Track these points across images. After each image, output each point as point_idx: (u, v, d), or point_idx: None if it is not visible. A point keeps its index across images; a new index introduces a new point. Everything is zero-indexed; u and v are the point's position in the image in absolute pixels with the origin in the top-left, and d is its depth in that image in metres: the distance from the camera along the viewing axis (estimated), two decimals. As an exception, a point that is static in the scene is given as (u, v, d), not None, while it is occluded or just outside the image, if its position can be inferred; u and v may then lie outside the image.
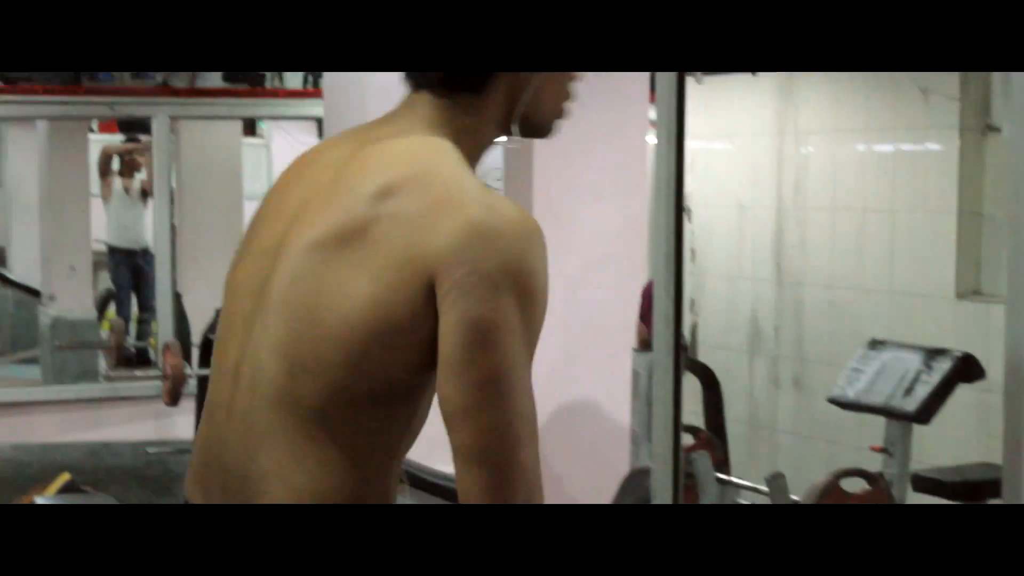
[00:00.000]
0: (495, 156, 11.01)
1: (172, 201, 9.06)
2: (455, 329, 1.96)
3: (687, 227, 4.03)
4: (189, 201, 9.67)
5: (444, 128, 2.16)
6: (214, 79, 8.75)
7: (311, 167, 2.19)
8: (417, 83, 2.19)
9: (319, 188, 2.12)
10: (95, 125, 12.14)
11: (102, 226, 10.97)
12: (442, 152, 2.11)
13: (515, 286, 1.97)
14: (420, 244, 1.99)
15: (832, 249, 7.82)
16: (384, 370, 2.04)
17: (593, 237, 5.28)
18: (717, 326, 8.54)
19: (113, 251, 11.05)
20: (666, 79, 3.72)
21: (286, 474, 2.06)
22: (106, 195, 11.11)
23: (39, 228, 10.63)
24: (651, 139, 5.73)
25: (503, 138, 2.27)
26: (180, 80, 8.72)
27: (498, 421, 1.96)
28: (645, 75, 5.38)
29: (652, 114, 4.04)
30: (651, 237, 4.02)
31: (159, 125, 8.77)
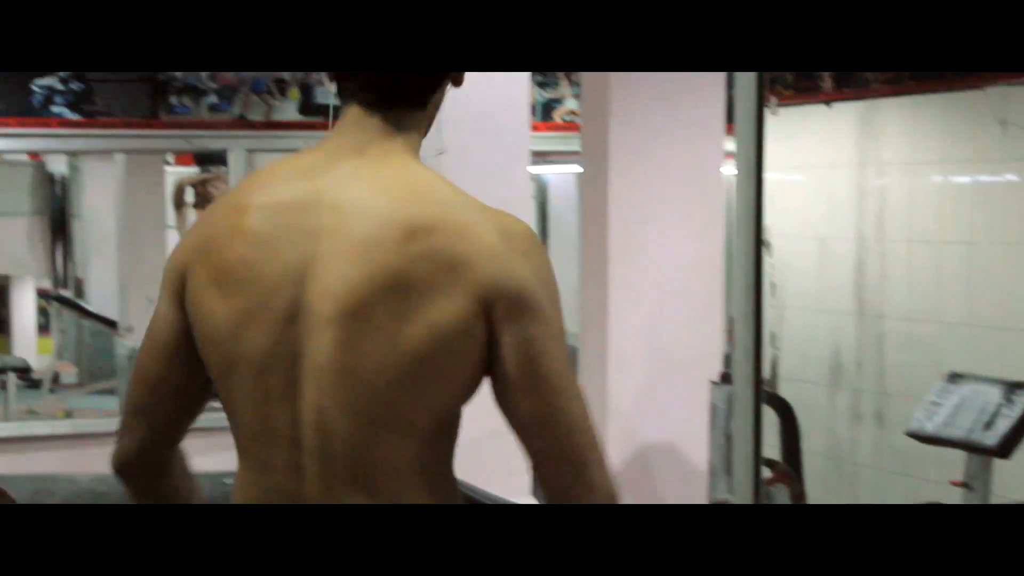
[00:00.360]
0: (570, 187, 10.98)
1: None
2: (519, 348, 2.04)
3: (766, 260, 4.00)
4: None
5: (407, 146, 2.17)
6: (290, 111, 8.80)
7: (289, 212, 2.11)
8: (379, 99, 2.15)
9: (321, 237, 2.08)
10: (171, 157, 12.24)
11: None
12: (437, 179, 2.14)
13: (551, 294, 2.09)
14: (466, 277, 2.04)
15: (910, 282, 7.75)
16: (448, 403, 2.12)
17: (670, 271, 5.26)
18: (796, 359, 8.48)
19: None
20: (745, 110, 3.70)
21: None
22: (181, 227, 11.19)
23: (116, 260, 10.71)
24: (728, 170, 5.71)
25: None
26: (256, 113, 8.77)
27: (573, 423, 2.07)
28: (722, 107, 5.36)
29: (729, 145, 4.02)
30: (730, 270, 3.99)
31: (235, 158, 8.82)
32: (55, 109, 8.34)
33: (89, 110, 8.42)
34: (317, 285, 2.06)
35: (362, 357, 2.04)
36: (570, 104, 9.48)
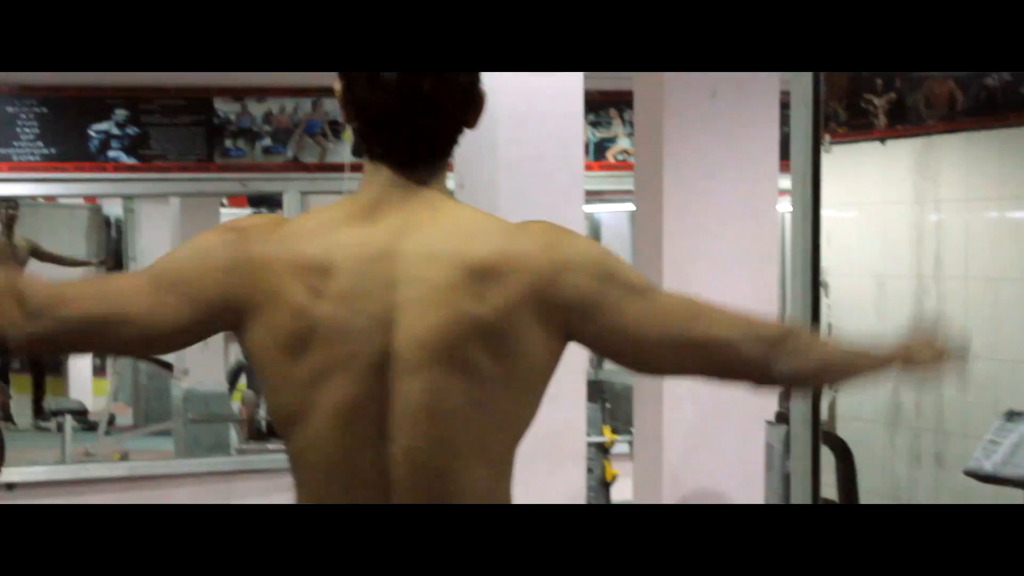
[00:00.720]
0: (623, 225, 10.95)
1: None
2: (622, 319, 2.21)
3: (824, 301, 3.97)
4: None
5: (443, 189, 2.32)
6: (344, 153, 8.84)
7: (366, 265, 2.19)
8: (412, 158, 2.26)
9: (398, 286, 2.17)
10: (226, 199, 12.32)
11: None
12: (480, 215, 2.28)
13: (601, 264, 2.27)
14: (535, 305, 2.18)
15: (967, 319, 7.69)
16: (526, 425, 2.28)
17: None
18: (854, 398, 8.42)
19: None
20: (800, 146, 3.69)
21: None
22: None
23: (172, 302, 10.75)
24: (783, 208, 5.69)
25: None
26: (310, 155, 8.81)
27: (704, 304, 2.34)
28: (776, 144, 5.34)
29: (784, 183, 4.00)
30: (787, 310, 3.97)
31: (290, 200, 8.87)
32: (111, 154, 8.41)
33: (145, 154, 8.48)
34: (402, 333, 2.15)
35: (451, 396, 2.15)
36: (623, 143, 9.48)
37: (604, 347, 2.28)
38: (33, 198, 11.46)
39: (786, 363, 2.28)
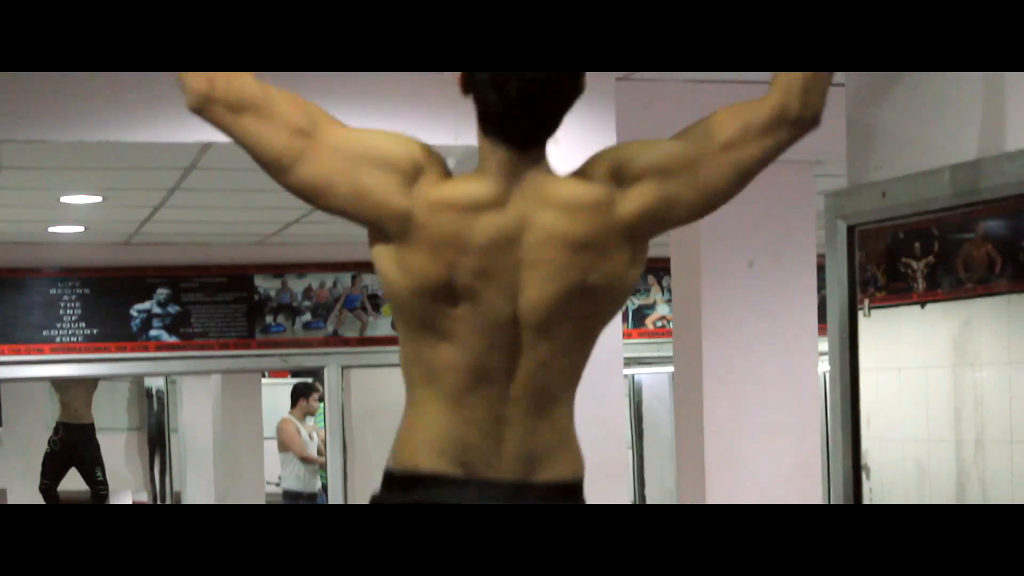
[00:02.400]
0: (664, 386, 10.91)
1: (344, 447, 9.14)
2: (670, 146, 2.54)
3: (864, 484, 3.94)
4: (360, 446, 9.75)
5: (549, 166, 2.56)
6: (384, 327, 8.88)
7: (490, 234, 2.46)
8: (530, 140, 2.49)
9: (522, 262, 2.46)
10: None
11: (273, 470, 11.10)
12: (571, 181, 2.54)
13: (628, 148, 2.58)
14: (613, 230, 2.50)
15: (1012, 484, 7.59)
16: None
17: (767, 480, 5.20)
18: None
19: (288, 495, 11.15)
20: (836, 310, 3.69)
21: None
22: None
23: (213, 473, 10.77)
24: (824, 368, 5.67)
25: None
26: (351, 329, 8.86)
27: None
28: (814, 311, 5.35)
29: (823, 346, 4.00)
30: (830, 487, 3.93)
31: (330, 375, 8.89)
32: (153, 332, 8.47)
33: (186, 332, 8.55)
34: (525, 301, 2.48)
35: (565, 322, 2.49)
36: (662, 310, 9.50)
37: (687, 221, 2.57)
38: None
39: (795, 104, 2.49)
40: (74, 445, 12.12)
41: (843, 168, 3.15)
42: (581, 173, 2.53)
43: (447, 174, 2.50)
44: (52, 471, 12.07)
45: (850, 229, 3.18)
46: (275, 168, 2.47)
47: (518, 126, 2.47)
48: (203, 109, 2.42)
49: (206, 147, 5.32)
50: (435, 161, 2.48)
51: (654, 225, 2.52)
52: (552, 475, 2.52)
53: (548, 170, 2.52)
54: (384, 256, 2.49)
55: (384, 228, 2.46)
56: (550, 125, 2.49)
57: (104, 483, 12.23)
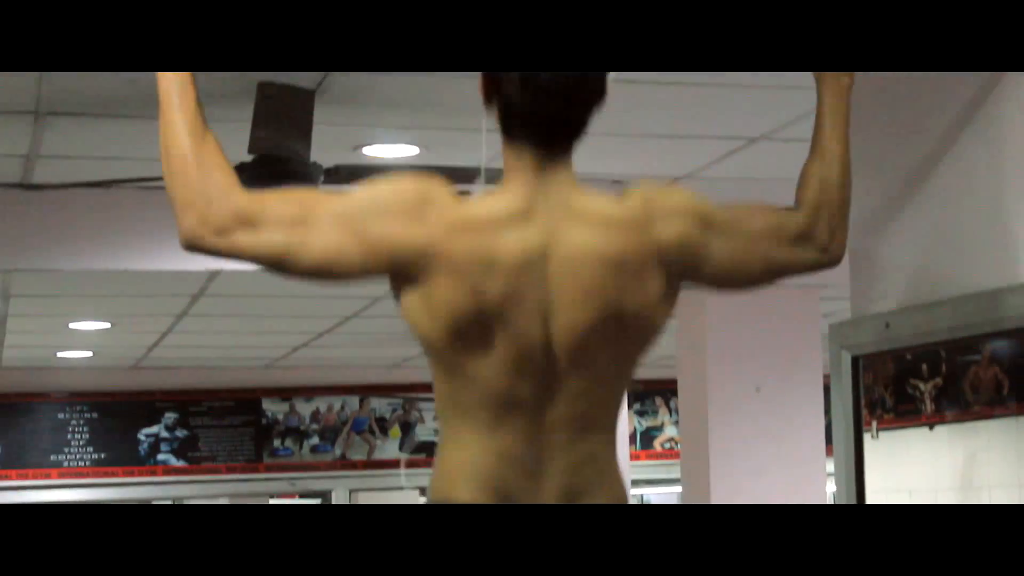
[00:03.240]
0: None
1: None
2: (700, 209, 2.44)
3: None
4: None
5: (575, 175, 2.45)
6: (391, 450, 8.87)
7: (517, 251, 2.36)
8: (558, 145, 2.41)
9: (552, 280, 2.38)
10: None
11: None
12: (603, 199, 2.42)
13: (674, 202, 2.44)
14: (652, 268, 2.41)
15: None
16: None
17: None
18: None
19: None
20: (842, 440, 3.69)
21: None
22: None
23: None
24: (832, 489, 5.66)
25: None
26: (358, 452, 8.85)
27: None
28: (821, 435, 5.36)
29: (831, 467, 3.99)
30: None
31: (338, 497, 8.88)
32: (160, 457, 8.47)
33: (194, 456, 8.54)
34: (556, 320, 2.38)
35: (600, 349, 2.40)
36: (670, 431, 9.49)
37: (709, 283, 2.50)
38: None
39: (823, 235, 2.51)
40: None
41: (849, 291, 3.17)
42: (612, 196, 2.46)
43: (458, 196, 2.39)
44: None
45: (854, 359, 3.18)
46: (283, 265, 2.39)
47: (546, 122, 2.40)
48: (196, 244, 2.36)
49: (214, 274, 5.35)
50: (440, 186, 2.38)
51: (686, 263, 2.43)
52: None
53: (577, 181, 2.43)
54: (411, 305, 2.39)
55: (407, 271, 2.36)
56: (577, 123, 2.41)
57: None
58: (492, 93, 2.38)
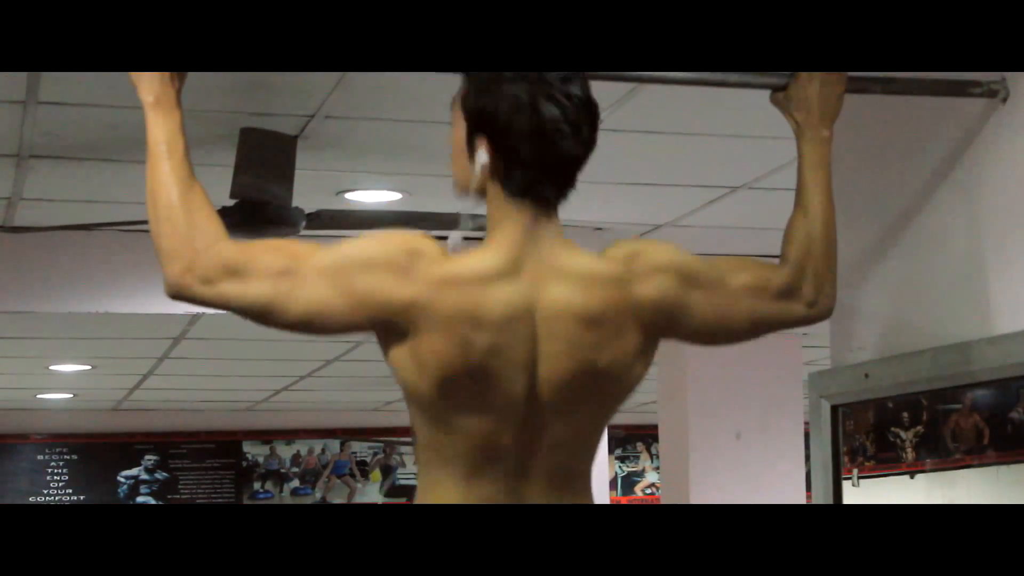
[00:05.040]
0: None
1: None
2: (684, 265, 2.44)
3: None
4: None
5: (561, 229, 2.45)
6: (372, 494, 8.86)
7: (503, 307, 2.37)
8: (554, 199, 2.40)
9: (536, 335, 2.37)
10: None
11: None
12: (588, 256, 2.43)
13: (658, 257, 2.45)
14: (631, 324, 2.41)
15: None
16: None
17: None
18: None
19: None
20: (821, 489, 3.69)
21: None
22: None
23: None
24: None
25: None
26: (338, 495, 8.84)
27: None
28: (802, 481, 5.36)
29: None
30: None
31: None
32: (140, 499, 8.45)
33: (173, 499, 8.52)
34: (537, 375, 2.39)
35: (580, 433, 2.43)
36: (651, 477, 9.49)
37: (690, 339, 2.51)
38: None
39: (810, 290, 2.51)
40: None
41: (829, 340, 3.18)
42: (595, 253, 2.47)
43: (445, 252, 2.37)
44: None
45: (834, 408, 3.19)
46: (269, 316, 2.36)
47: (554, 181, 2.39)
48: (181, 293, 2.35)
49: (195, 317, 5.35)
50: (428, 242, 2.35)
51: (665, 320, 2.43)
52: None
53: (563, 238, 2.42)
54: (399, 359, 2.38)
55: (393, 326, 2.34)
56: (575, 179, 2.42)
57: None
58: (496, 154, 2.35)
